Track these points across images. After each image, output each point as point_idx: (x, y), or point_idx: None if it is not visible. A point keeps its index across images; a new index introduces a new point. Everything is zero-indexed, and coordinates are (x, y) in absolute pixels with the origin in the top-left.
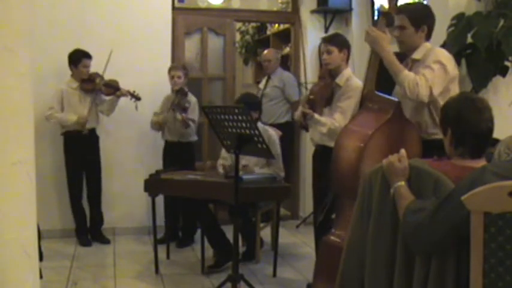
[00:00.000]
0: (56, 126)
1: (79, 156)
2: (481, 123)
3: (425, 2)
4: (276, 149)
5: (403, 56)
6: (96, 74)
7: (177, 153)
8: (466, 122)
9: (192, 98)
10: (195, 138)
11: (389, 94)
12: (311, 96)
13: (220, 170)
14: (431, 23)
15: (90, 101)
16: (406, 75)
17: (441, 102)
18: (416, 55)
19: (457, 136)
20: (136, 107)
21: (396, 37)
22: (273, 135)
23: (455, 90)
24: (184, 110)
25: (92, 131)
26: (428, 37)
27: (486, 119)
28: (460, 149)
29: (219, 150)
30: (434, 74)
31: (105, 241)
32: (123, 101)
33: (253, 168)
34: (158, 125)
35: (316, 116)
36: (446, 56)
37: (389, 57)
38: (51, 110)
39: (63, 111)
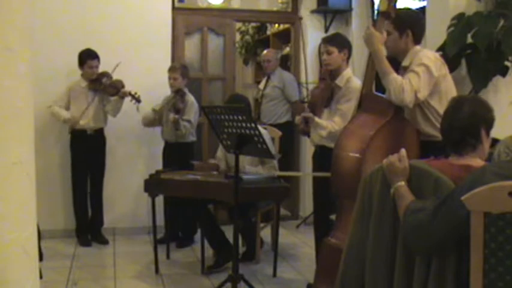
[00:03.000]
0: (63, 126)
1: (84, 155)
2: (451, 118)
3: (424, 3)
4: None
5: (395, 62)
6: (104, 74)
7: (176, 154)
8: (442, 118)
9: (189, 98)
10: (193, 138)
11: None
12: (311, 100)
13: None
14: (416, 28)
15: (97, 100)
16: (393, 78)
17: (432, 102)
18: (405, 62)
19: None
20: (137, 109)
21: (384, 42)
22: (265, 134)
23: (448, 88)
24: (177, 111)
25: (100, 132)
26: (416, 42)
27: (462, 113)
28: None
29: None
30: (419, 77)
31: (103, 241)
32: (125, 102)
33: (246, 167)
34: (150, 119)
35: (317, 119)
36: (430, 58)
37: (379, 56)
38: (53, 103)
39: (69, 109)
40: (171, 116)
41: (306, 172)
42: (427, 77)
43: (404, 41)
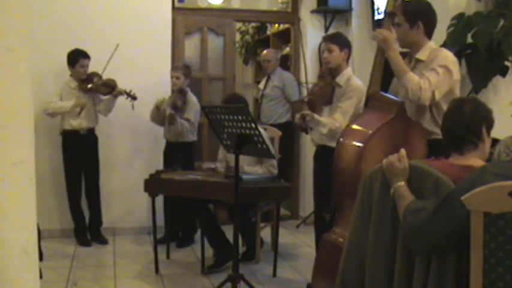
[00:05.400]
0: (55, 125)
1: (77, 156)
2: (453, 116)
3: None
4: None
5: (405, 54)
6: (95, 74)
7: (176, 153)
8: (443, 118)
9: (191, 98)
10: (193, 138)
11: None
12: (310, 97)
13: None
14: (427, 19)
15: (89, 100)
16: (411, 77)
17: (443, 103)
18: (421, 56)
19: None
20: (132, 107)
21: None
22: (263, 134)
23: (457, 92)
24: (175, 108)
25: (91, 131)
26: (428, 34)
27: (464, 112)
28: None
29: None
30: (439, 78)
31: (103, 241)
32: (123, 101)
33: (244, 167)
34: (156, 112)
35: (316, 116)
36: (452, 60)
37: (396, 57)
38: (46, 104)
39: None
40: (167, 111)
41: None
42: (447, 79)
43: (416, 33)
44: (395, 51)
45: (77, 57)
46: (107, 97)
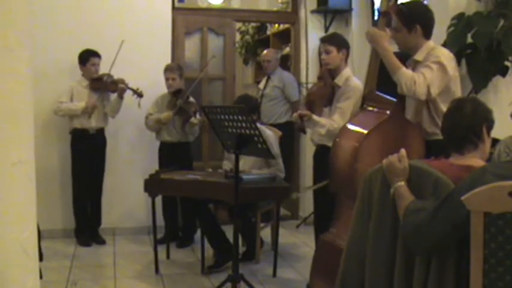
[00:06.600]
0: (63, 125)
1: (85, 155)
2: (454, 116)
3: (425, 2)
4: (274, 149)
5: (405, 56)
6: (105, 74)
7: (175, 154)
8: (444, 118)
9: (191, 99)
10: (192, 138)
11: (391, 94)
12: (309, 97)
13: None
14: (424, 22)
15: (99, 99)
16: (403, 72)
17: (440, 102)
18: (418, 56)
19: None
20: (139, 104)
21: (393, 38)
22: (271, 135)
23: (456, 90)
24: (195, 113)
25: (100, 131)
26: (426, 35)
27: (464, 112)
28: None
29: (219, 150)
30: (433, 73)
31: (100, 241)
32: (124, 101)
33: (251, 170)
34: (159, 124)
35: (315, 117)
36: (447, 57)
37: (388, 55)
38: (60, 103)
39: None
40: (194, 119)
41: (304, 187)
42: (440, 75)
43: (414, 36)
44: (385, 49)
45: (87, 56)
46: (114, 98)
